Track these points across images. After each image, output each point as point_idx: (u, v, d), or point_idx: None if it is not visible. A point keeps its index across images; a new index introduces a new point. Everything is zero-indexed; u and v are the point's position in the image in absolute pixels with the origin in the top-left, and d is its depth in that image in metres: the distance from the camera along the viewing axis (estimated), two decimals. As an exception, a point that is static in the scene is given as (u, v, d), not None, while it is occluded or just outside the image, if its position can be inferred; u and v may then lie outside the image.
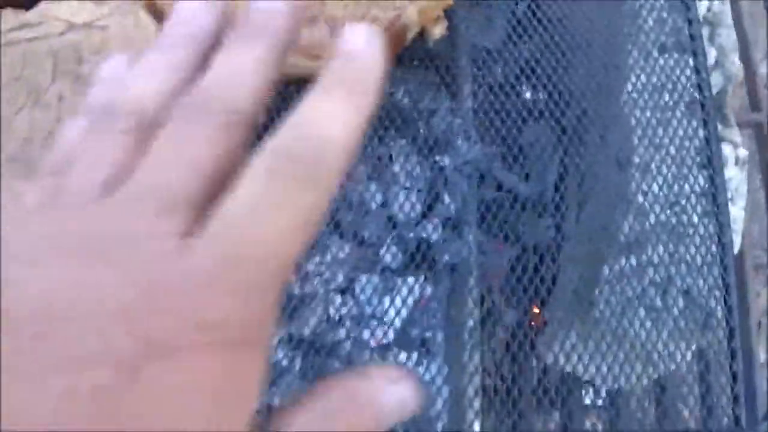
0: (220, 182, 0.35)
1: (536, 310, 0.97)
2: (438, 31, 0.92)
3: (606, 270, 0.89)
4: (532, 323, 0.96)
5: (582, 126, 0.97)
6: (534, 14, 1.04)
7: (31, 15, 0.95)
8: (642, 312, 0.88)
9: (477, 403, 0.91)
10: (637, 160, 0.90)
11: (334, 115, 0.36)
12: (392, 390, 0.35)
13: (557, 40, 1.01)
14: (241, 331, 0.32)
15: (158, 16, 0.92)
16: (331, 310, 0.99)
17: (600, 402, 0.96)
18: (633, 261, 0.88)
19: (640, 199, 0.88)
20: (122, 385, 0.29)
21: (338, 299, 0.99)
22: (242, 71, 0.37)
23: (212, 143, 0.35)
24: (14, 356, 0.29)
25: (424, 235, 0.99)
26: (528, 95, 1.03)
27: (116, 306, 0.30)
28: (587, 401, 0.96)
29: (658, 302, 0.87)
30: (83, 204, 0.34)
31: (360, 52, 0.37)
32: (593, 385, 0.95)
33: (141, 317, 0.30)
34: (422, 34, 0.92)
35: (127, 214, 0.33)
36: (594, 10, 1.02)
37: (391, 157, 1.01)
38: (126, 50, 0.86)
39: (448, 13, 0.96)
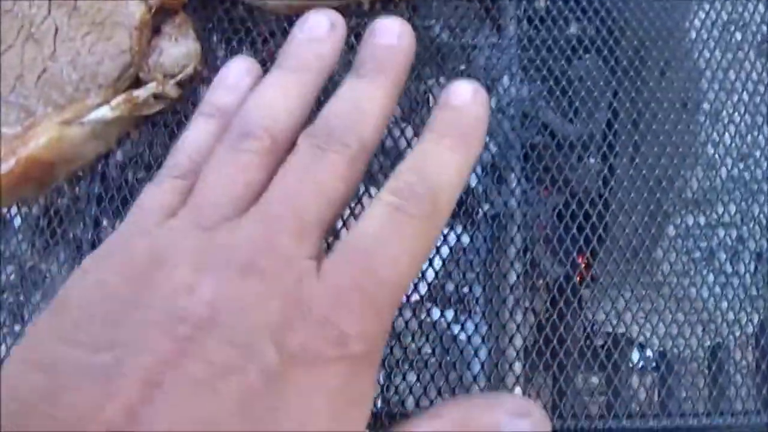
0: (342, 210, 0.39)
1: (584, 264, 0.89)
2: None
3: (671, 228, 0.81)
4: (580, 278, 0.89)
5: (640, 62, 0.88)
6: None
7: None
8: (710, 276, 0.80)
9: (518, 365, 0.84)
10: (706, 105, 0.81)
11: (448, 162, 0.40)
12: (516, 423, 0.36)
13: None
14: (367, 345, 0.36)
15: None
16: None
17: (649, 365, 0.89)
18: (701, 219, 0.80)
19: (710, 149, 0.80)
20: (265, 390, 0.32)
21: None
22: (370, 105, 0.41)
23: (341, 172, 0.39)
24: (173, 356, 0.32)
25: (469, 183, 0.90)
26: (575, 29, 0.93)
27: (265, 317, 0.34)
28: (635, 362, 0.89)
29: (728, 266, 0.80)
30: (221, 219, 0.37)
31: (469, 106, 0.42)
32: (642, 347, 0.89)
33: (286, 329, 0.34)
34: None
35: (266, 234, 0.36)
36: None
37: (428, 98, 0.91)
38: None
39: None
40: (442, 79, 0.91)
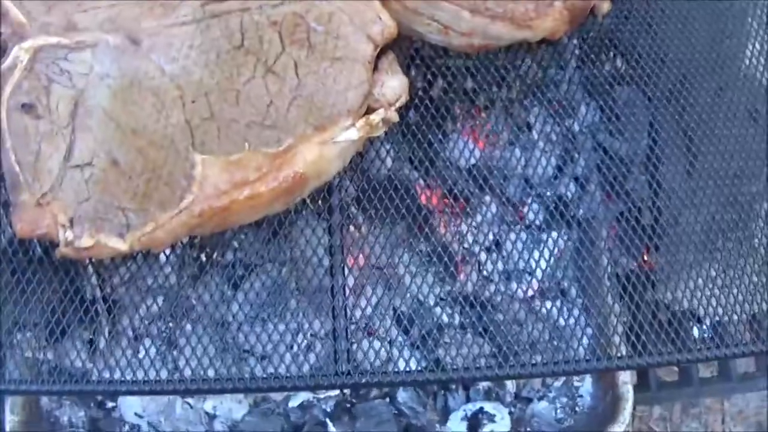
0: None
1: (647, 257, 1.11)
2: (606, 6, 1.03)
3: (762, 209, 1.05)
4: (647, 268, 1.10)
5: (683, 89, 1.12)
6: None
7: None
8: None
9: (624, 346, 1.02)
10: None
11: None
12: None
13: (651, 14, 1.17)
14: None
15: None
16: (482, 267, 1.06)
17: (705, 333, 1.11)
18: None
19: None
20: None
21: (488, 256, 1.06)
22: None
23: None
24: None
25: (560, 192, 1.09)
26: (619, 62, 1.17)
27: None
28: (696, 334, 1.11)
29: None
30: None
31: None
32: (699, 319, 1.11)
33: None
34: (592, 10, 1.03)
35: None
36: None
37: (528, 123, 1.10)
38: (356, 20, 0.87)
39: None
40: (535, 109, 1.11)
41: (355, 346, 0.95)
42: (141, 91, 0.87)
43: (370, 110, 0.89)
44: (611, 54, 1.18)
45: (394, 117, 0.90)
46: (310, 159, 0.84)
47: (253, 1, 0.90)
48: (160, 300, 0.99)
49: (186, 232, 0.84)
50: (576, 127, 1.11)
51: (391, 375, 0.95)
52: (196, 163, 0.83)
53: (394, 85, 0.90)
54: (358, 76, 0.87)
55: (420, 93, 1.05)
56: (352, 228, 1.01)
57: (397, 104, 0.90)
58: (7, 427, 1.01)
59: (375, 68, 0.89)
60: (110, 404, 1.09)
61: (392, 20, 0.90)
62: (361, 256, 0.99)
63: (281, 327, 0.98)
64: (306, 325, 0.98)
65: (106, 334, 0.98)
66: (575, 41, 1.14)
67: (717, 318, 1.07)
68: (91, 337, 0.97)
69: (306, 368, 0.96)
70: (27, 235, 0.83)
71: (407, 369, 0.97)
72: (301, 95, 0.86)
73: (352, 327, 0.96)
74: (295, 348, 0.97)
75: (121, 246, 0.82)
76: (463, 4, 0.94)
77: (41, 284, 0.95)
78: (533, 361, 0.99)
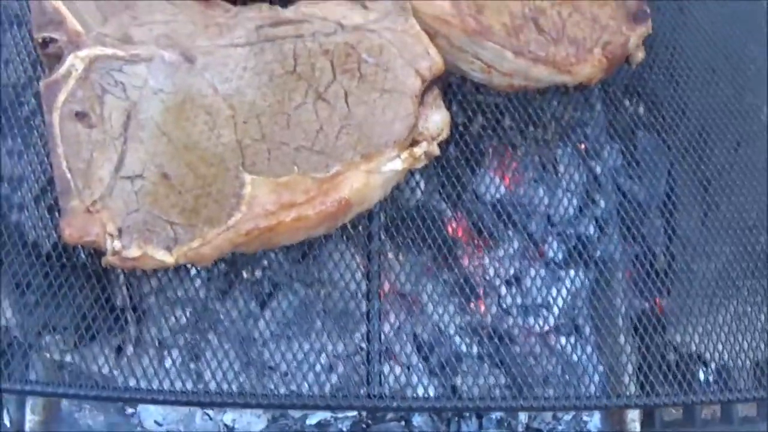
0: None
1: (659, 300, 1.14)
2: (641, 56, 1.07)
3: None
4: (659, 310, 1.13)
5: (702, 140, 1.17)
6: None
7: (289, 13, 0.94)
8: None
9: (633, 385, 1.05)
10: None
11: None
12: None
13: (675, 65, 1.21)
14: None
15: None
16: (502, 300, 1.09)
17: (711, 377, 1.14)
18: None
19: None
20: None
21: (507, 289, 1.09)
22: None
23: None
24: None
25: (580, 231, 1.13)
26: (642, 109, 1.21)
27: None
28: (701, 376, 1.14)
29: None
30: None
31: None
32: (705, 363, 1.14)
33: None
34: (627, 58, 1.06)
35: None
36: (721, 38, 1.23)
37: (555, 163, 1.14)
38: (406, 54, 0.90)
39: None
40: (561, 150, 1.14)
41: (380, 369, 0.97)
42: (194, 108, 0.89)
43: (413, 142, 0.91)
44: (634, 100, 1.22)
45: (436, 151, 0.93)
46: (356, 186, 0.87)
47: (307, 28, 0.92)
48: (187, 311, 1.01)
49: (230, 249, 0.86)
50: (598, 169, 1.14)
51: (410, 400, 0.98)
52: (246, 183, 0.85)
53: (437, 119, 0.93)
54: (405, 109, 0.90)
55: (461, 128, 1.09)
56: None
57: (439, 138, 0.93)
58: (27, 427, 1.02)
59: (420, 102, 0.92)
60: (130, 410, 1.10)
61: (440, 56, 0.93)
62: (386, 282, 1.02)
63: (306, 346, 0.99)
64: (330, 346, 1.00)
65: (133, 342, 0.99)
66: (600, 85, 1.18)
67: (722, 362, 1.10)
68: (119, 344, 0.98)
69: (327, 388, 0.98)
70: (74, 241, 0.85)
71: (426, 395, 0.99)
72: (350, 124, 0.89)
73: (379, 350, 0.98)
74: (318, 367, 0.99)
75: (168, 259, 0.84)
76: (507, 45, 0.97)
77: (73, 289, 0.97)
78: (546, 395, 1.02)
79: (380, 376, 0.95)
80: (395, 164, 0.89)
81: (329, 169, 0.87)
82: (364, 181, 0.87)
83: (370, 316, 0.97)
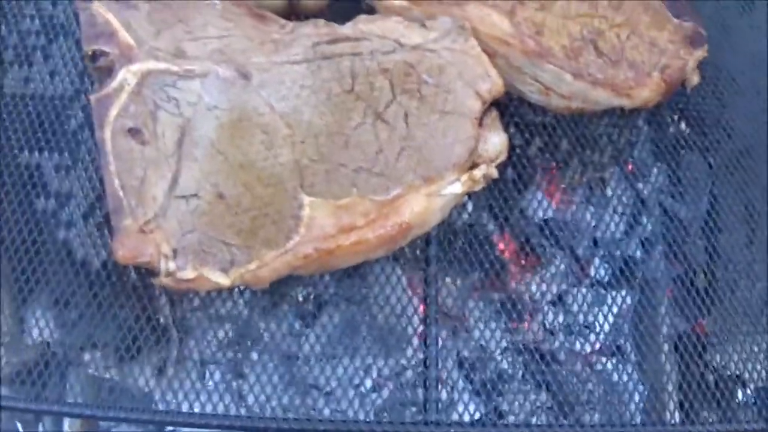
0: None
1: (700, 320, 1.13)
2: (696, 79, 1.05)
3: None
4: (701, 331, 1.12)
5: (746, 161, 1.16)
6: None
7: (347, 30, 0.92)
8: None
9: (673, 407, 1.04)
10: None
11: None
12: None
13: (722, 85, 1.20)
14: None
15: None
16: (546, 320, 1.08)
17: (748, 399, 1.14)
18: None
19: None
20: None
21: (552, 310, 1.08)
22: None
23: None
24: None
25: (626, 253, 1.11)
26: (683, 126, 1.20)
27: None
28: (740, 397, 1.13)
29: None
30: None
31: None
32: (744, 384, 1.14)
33: None
34: (683, 82, 1.05)
35: None
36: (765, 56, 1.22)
37: (603, 184, 1.12)
38: (466, 75, 0.89)
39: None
40: (609, 171, 1.13)
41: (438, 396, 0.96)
42: (250, 126, 0.87)
43: (472, 165, 0.90)
44: (676, 118, 1.21)
45: (494, 173, 0.91)
46: (416, 210, 0.85)
47: (365, 46, 0.90)
48: (229, 329, 0.99)
49: (288, 272, 0.85)
50: (645, 191, 1.13)
51: (466, 426, 0.96)
52: (304, 205, 0.84)
53: (495, 141, 0.91)
54: (465, 131, 0.88)
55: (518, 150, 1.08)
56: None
57: (498, 161, 0.91)
58: (66, 439, 1.00)
59: (479, 124, 0.90)
60: (169, 428, 1.08)
61: (500, 78, 0.91)
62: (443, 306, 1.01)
63: (350, 366, 0.98)
64: (376, 368, 0.99)
65: (175, 359, 0.97)
66: (646, 105, 1.17)
67: (762, 384, 1.10)
68: (161, 361, 0.97)
69: (369, 409, 0.97)
70: (128, 261, 0.83)
71: (473, 419, 0.98)
72: (410, 145, 0.87)
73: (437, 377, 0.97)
74: (362, 388, 0.97)
75: (225, 281, 0.82)
76: (566, 67, 0.95)
77: (116, 305, 0.95)
78: (591, 422, 1.01)
79: (437, 404, 0.93)
80: (455, 187, 0.87)
81: (389, 191, 0.85)
82: (425, 205, 0.86)
83: (428, 342, 0.95)
